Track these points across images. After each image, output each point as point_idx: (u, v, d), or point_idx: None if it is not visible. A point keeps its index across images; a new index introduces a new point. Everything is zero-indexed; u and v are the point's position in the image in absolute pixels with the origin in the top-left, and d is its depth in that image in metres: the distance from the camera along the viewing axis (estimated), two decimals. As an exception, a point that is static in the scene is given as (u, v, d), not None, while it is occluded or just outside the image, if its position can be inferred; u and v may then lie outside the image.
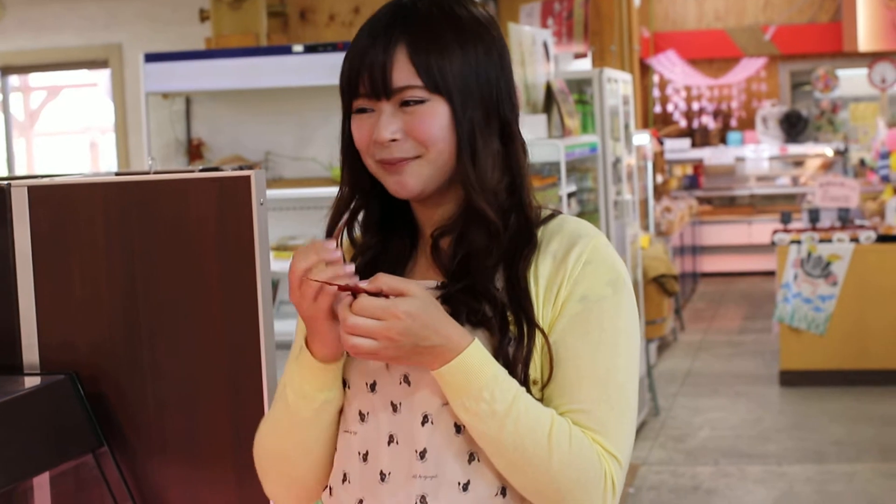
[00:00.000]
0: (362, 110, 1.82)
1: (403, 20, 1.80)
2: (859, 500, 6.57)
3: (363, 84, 1.80)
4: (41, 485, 2.53)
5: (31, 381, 2.48)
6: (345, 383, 1.87)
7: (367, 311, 1.68)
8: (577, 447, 1.74)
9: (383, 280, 1.69)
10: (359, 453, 1.86)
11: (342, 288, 1.70)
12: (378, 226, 1.89)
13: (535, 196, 1.90)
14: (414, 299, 1.69)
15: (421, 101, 1.78)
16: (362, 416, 1.85)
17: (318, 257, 1.72)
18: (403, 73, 1.78)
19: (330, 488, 1.91)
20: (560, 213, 1.92)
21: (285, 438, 1.89)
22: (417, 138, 1.79)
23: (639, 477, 7.05)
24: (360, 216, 1.91)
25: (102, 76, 11.40)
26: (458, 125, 1.79)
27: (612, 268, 1.84)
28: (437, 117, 1.79)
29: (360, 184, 1.88)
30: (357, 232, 1.93)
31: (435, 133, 1.79)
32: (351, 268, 1.72)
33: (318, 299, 1.73)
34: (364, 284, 1.69)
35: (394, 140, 1.79)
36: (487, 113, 1.83)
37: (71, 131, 14.93)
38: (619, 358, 1.81)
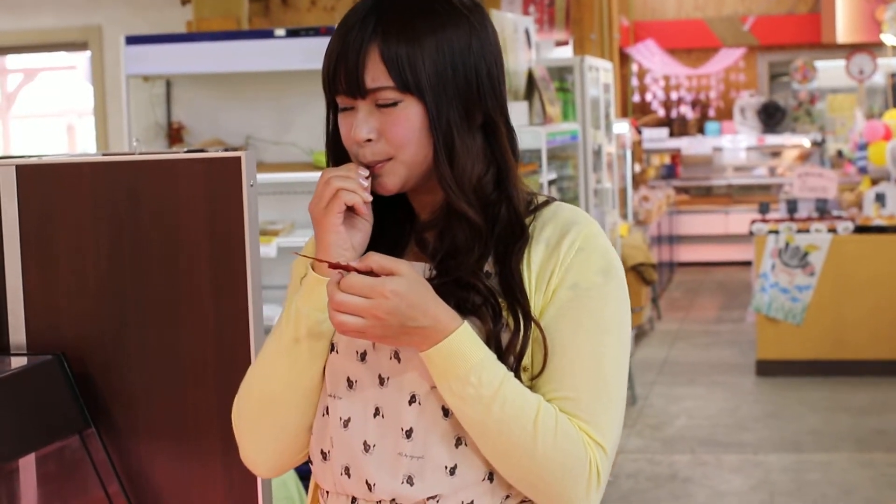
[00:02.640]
0: (346, 107, 1.82)
1: (377, 14, 1.78)
2: (835, 488, 6.60)
3: (340, 82, 1.79)
4: (27, 466, 2.52)
5: (17, 362, 2.46)
6: (333, 347, 1.86)
7: (354, 289, 1.67)
8: (563, 434, 1.74)
9: (374, 259, 1.69)
10: (340, 419, 1.85)
11: (333, 265, 1.71)
12: (373, 209, 1.87)
13: (524, 184, 1.88)
14: (402, 279, 1.68)
15: (394, 104, 1.77)
16: (350, 384, 1.85)
17: (347, 173, 1.77)
18: (375, 73, 1.76)
19: (322, 453, 1.89)
20: (555, 199, 1.91)
21: (273, 375, 1.87)
22: (390, 141, 1.78)
23: (616, 465, 7.07)
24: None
25: (81, 58, 11.33)
26: (434, 126, 1.78)
27: (603, 256, 1.84)
28: (409, 120, 1.78)
29: None
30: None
31: (406, 136, 1.78)
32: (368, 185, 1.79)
33: (330, 203, 1.77)
34: (355, 263, 1.70)
35: (369, 140, 1.79)
36: (467, 107, 1.81)
37: (48, 114, 14.86)
38: (608, 346, 1.81)
